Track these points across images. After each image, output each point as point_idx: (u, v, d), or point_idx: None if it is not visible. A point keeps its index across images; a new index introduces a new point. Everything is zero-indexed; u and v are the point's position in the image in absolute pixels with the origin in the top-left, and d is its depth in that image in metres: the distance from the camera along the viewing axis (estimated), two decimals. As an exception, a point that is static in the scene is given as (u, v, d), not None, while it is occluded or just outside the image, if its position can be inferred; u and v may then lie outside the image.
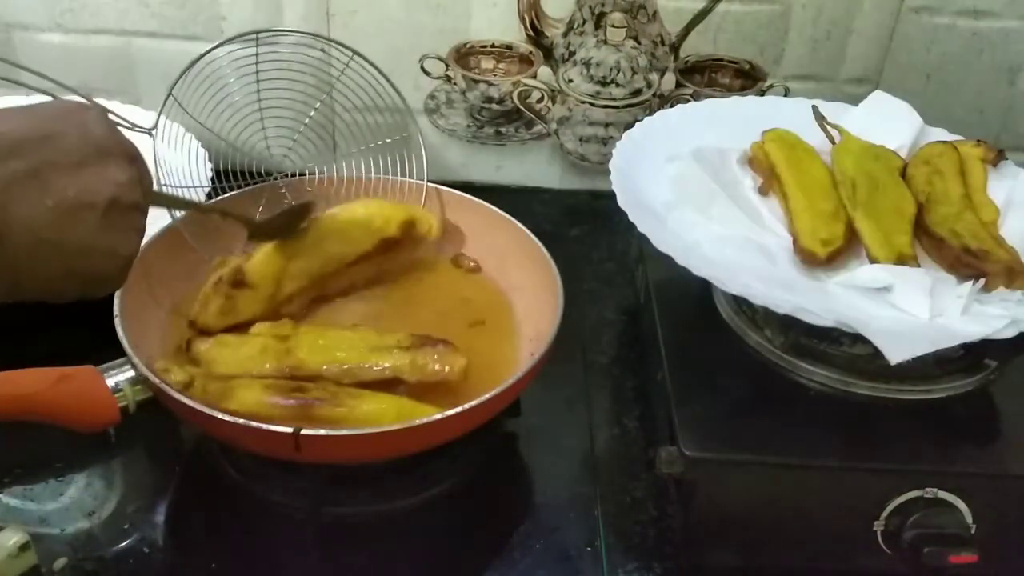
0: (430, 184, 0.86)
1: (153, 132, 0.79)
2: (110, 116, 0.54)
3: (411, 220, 0.80)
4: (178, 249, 0.77)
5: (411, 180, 0.86)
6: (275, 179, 0.85)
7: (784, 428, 0.63)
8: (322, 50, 0.85)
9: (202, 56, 0.80)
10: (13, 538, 0.61)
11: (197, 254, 0.78)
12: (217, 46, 0.82)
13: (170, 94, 0.79)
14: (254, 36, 0.83)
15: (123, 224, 0.52)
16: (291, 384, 0.67)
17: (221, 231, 0.78)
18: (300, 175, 0.86)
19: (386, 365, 0.69)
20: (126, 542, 0.65)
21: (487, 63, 1.00)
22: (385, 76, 0.85)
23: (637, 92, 0.92)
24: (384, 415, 0.65)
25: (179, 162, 0.83)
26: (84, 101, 0.56)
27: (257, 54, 0.82)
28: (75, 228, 0.49)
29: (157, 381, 0.63)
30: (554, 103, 0.95)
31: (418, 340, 0.71)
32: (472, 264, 0.84)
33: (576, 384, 0.80)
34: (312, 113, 0.86)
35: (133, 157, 0.53)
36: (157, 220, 0.78)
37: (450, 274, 0.84)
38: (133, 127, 0.78)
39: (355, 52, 0.85)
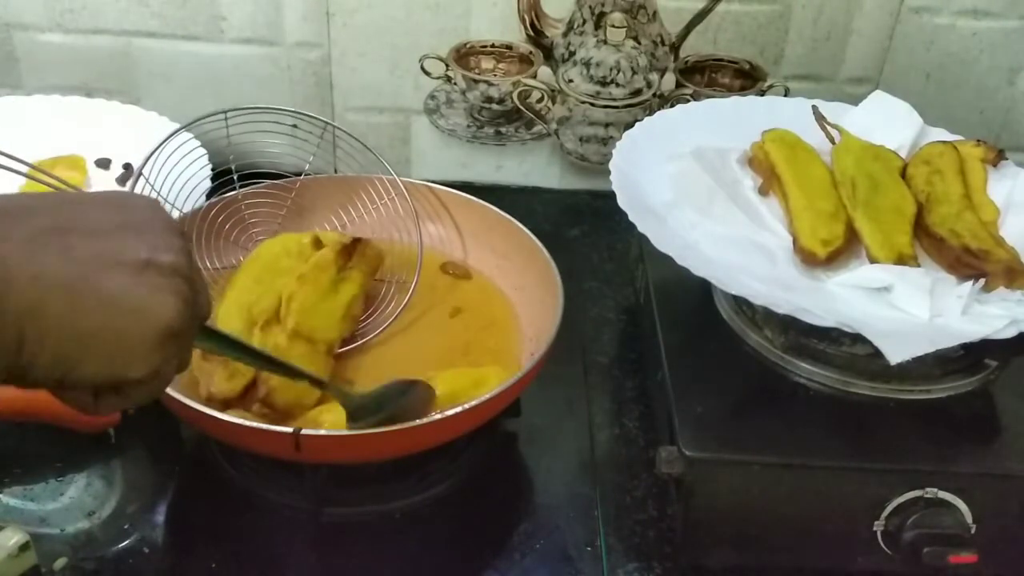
0: (429, 184, 0.86)
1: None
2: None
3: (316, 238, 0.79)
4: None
5: (410, 180, 0.86)
6: (274, 181, 0.85)
7: (784, 428, 0.63)
8: (294, 126, 0.85)
9: (175, 133, 0.80)
10: (13, 538, 0.61)
11: (199, 252, 0.78)
12: (193, 123, 0.81)
13: (140, 173, 0.78)
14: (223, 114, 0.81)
15: (160, 284, 0.41)
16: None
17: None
18: (297, 175, 0.86)
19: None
20: (126, 542, 0.65)
21: (487, 63, 1.00)
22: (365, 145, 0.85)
23: (637, 92, 0.92)
24: (463, 391, 0.67)
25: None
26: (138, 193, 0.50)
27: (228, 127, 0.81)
28: (97, 278, 0.40)
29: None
30: (554, 103, 0.95)
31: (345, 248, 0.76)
32: (460, 271, 0.84)
33: (576, 384, 0.80)
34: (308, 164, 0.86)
35: (176, 230, 0.45)
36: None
37: (442, 280, 0.84)
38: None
39: (328, 123, 0.85)
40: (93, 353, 0.40)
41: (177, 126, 0.93)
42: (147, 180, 0.77)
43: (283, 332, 0.71)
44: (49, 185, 0.82)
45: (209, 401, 0.67)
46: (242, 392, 0.68)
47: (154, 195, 0.78)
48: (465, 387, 0.68)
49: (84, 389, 0.42)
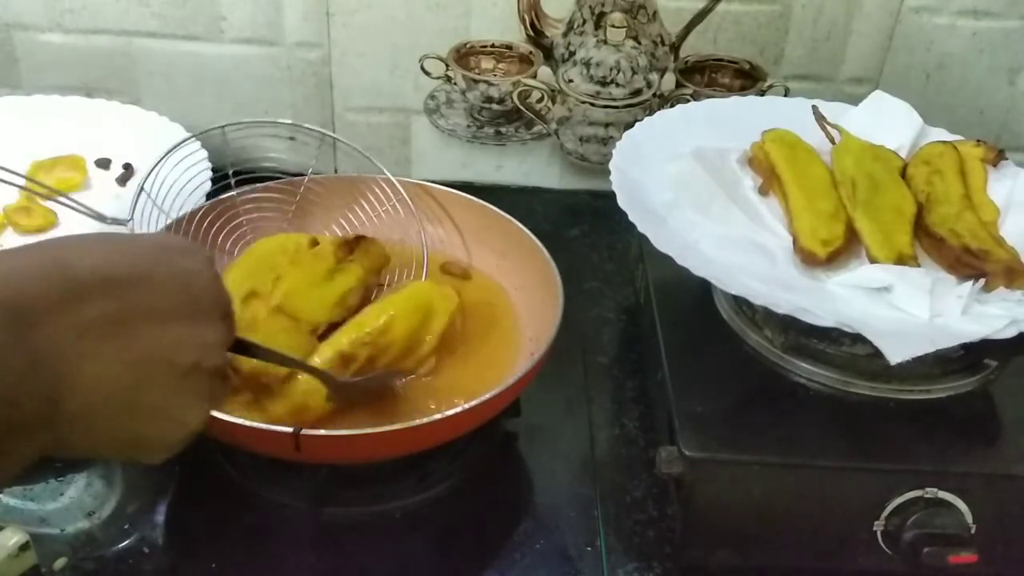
0: (429, 184, 0.86)
1: (129, 223, 0.78)
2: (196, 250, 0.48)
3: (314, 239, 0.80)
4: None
5: (409, 180, 0.86)
6: (275, 180, 0.85)
7: (784, 428, 0.63)
8: (291, 137, 0.85)
9: (176, 147, 0.80)
10: (13, 538, 0.61)
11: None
12: (189, 138, 0.82)
13: (141, 189, 0.78)
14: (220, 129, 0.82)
15: (199, 390, 0.44)
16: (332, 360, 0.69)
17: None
18: (299, 175, 0.86)
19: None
20: (126, 542, 0.65)
21: (487, 63, 1.00)
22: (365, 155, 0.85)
23: (637, 92, 0.92)
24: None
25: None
26: (186, 241, 0.49)
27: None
28: (148, 388, 0.42)
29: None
30: (554, 103, 0.95)
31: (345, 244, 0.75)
32: (460, 271, 0.84)
33: (576, 384, 0.80)
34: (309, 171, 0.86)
35: (227, 315, 0.47)
36: (151, 221, 0.79)
37: (442, 280, 0.84)
38: (103, 219, 0.77)
39: (325, 134, 0.86)
40: (124, 449, 0.43)
41: (177, 127, 0.93)
42: (148, 195, 0.77)
43: (265, 307, 0.70)
44: (43, 196, 0.82)
45: None
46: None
47: (156, 210, 0.78)
48: (415, 325, 0.72)
49: None
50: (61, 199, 0.77)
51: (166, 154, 0.80)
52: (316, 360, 0.68)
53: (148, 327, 0.42)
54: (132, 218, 0.77)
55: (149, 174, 0.78)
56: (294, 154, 0.86)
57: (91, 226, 0.79)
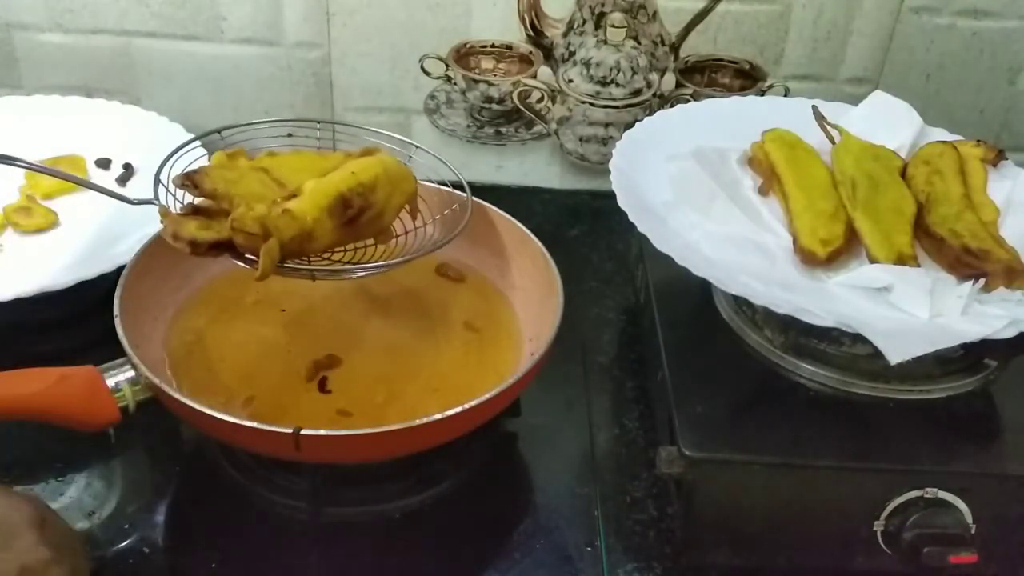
0: (427, 183, 0.86)
1: (157, 203, 0.76)
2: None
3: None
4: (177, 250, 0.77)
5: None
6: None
7: (784, 428, 0.63)
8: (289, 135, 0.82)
9: (191, 141, 0.77)
10: (13, 538, 0.61)
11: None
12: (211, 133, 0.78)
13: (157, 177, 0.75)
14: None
15: None
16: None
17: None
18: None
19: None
20: (126, 542, 0.65)
21: (487, 63, 1.00)
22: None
23: (637, 92, 0.92)
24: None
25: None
26: None
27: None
28: None
29: (157, 381, 0.63)
30: (554, 103, 0.95)
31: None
32: (456, 273, 0.84)
33: (576, 384, 0.80)
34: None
35: (38, 521, 0.53)
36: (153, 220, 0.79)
37: (438, 282, 0.84)
38: (131, 201, 0.75)
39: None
40: None
41: (177, 127, 0.93)
42: (164, 185, 0.76)
43: (250, 165, 0.69)
44: (52, 174, 0.80)
45: (193, 247, 0.63)
46: (214, 243, 0.63)
47: (172, 201, 0.77)
48: (387, 194, 0.69)
49: None
50: (90, 184, 0.75)
51: (186, 143, 0.78)
52: (311, 187, 0.66)
53: None
54: (157, 197, 0.75)
55: (164, 163, 0.76)
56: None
57: (98, 221, 0.78)
